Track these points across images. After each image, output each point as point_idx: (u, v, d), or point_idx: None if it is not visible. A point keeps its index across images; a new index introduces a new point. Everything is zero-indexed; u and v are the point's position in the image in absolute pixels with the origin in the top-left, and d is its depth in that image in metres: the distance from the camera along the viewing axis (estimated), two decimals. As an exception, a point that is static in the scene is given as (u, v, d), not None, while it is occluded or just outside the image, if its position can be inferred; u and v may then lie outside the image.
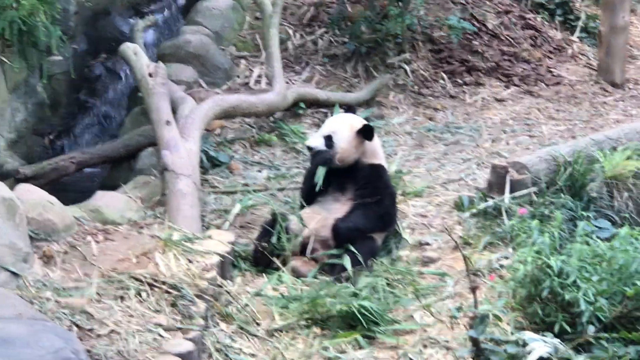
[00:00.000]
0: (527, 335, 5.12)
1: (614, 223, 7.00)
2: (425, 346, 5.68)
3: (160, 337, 5.11)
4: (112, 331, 5.05)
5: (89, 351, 4.77)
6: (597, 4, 13.10)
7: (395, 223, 7.13)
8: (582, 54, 12.46)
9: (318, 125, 9.18)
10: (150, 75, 7.95)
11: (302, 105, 9.65)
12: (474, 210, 7.16)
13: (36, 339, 4.35)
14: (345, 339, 5.69)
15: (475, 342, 5.04)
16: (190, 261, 5.90)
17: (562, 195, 7.11)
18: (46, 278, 5.45)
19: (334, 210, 6.90)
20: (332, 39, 11.20)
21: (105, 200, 6.91)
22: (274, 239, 6.73)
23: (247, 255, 6.84)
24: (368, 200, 6.84)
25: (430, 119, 10.27)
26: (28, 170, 8.23)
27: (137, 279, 5.55)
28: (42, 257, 5.65)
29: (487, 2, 12.52)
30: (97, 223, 6.49)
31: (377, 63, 10.88)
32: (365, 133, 6.95)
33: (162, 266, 5.74)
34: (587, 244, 5.78)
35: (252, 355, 5.51)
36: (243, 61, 10.70)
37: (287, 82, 9.85)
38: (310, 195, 7.02)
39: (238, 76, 10.39)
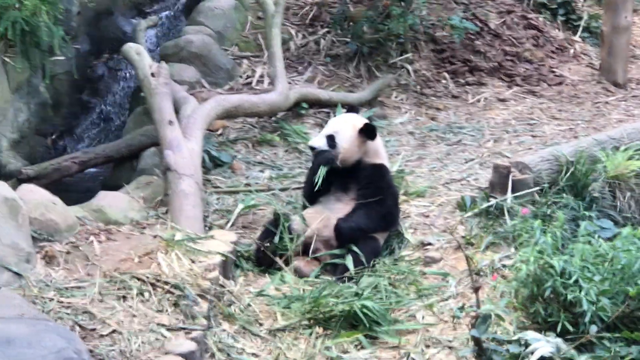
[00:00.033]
0: (530, 335, 5.12)
1: (616, 223, 7.00)
2: (427, 346, 5.68)
3: (162, 337, 5.12)
4: (115, 331, 5.05)
5: (91, 351, 4.77)
6: (599, 4, 13.11)
7: (398, 223, 7.13)
8: (585, 54, 12.46)
9: (320, 126, 9.19)
10: (152, 75, 7.96)
11: (305, 105, 9.66)
12: (477, 210, 7.16)
13: (38, 339, 4.36)
14: (348, 339, 5.69)
15: (477, 341, 5.04)
16: (192, 261, 5.91)
17: (565, 195, 7.10)
18: (48, 278, 5.46)
19: (336, 210, 6.90)
20: (334, 39, 11.20)
21: (108, 200, 6.91)
22: (276, 239, 6.73)
23: (250, 255, 6.84)
24: (370, 200, 6.84)
25: (433, 119, 10.27)
26: (31, 170, 8.23)
27: (139, 279, 5.56)
28: (44, 257, 5.66)
29: (490, 2, 12.53)
30: (99, 223, 6.50)
31: (380, 63, 10.89)
32: (368, 132, 6.95)
33: (165, 266, 5.75)
34: (590, 243, 5.78)
35: (255, 355, 5.51)
36: (245, 61, 10.70)
37: (290, 82, 9.86)
38: (312, 195, 7.03)
39: (240, 76, 10.39)
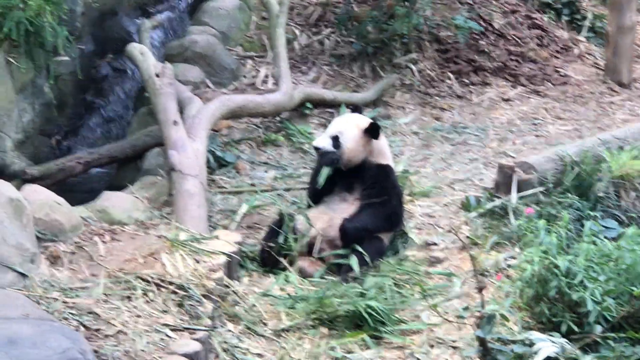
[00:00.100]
0: (534, 335, 5.12)
1: (621, 223, 6.99)
2: (432, 346, 5.68)
3: (167, 337, 5.12)
4: (119, 331, 5.05)
5: (96, 351, 4.77)
6: (604, 4, 13.08)
7: (403, 223, 7.13)
8: (589, 54, 12.44)
9: (325, 126, 9.18)
10: (157, 75, 7.96)
11: (309, 105, 9.65)
12: (481, 210, 7.16)
13: (43, 339, 4.36)
14: (353, 339, 5.70)
15: (482, 342, 5.04)
16: (197, 261, 5.91)
17: (569, 195, 7.09)
18: (53, 278, 5.46)
19: (341, 210, 6.90)
20: (338, 39, 11.19)
21: (112, 201, 6.92)
22: (281, 239, 6.73)
23: (254, 256, 6.84)
24: (375, 200, 6.84)
25: (437, 119, 10.27)
26: (35, 170, 8.23)
27: (144, 279, 5.56)
28: (49, 257, 5.66)
29: (494, 2, 12.50)
30: (104, 223, 6.50)
31: (384, 63, 10.88)
32: (372, 132, 6.95)
33: (169, 266, 5.75)
34: (594, 243, 5.78)
35: (259, 355, 5.51)
36: (250, 61, 10.69)
37: (294, 82, 9.84)
38: (317, 195, 7.03)
39: (245, 76, 10.38)
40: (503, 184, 7.24)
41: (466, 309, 5.95)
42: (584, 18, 12.93)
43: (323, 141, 6.98)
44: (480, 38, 11.71)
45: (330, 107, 9.81)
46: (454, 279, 6.49)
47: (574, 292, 5.39)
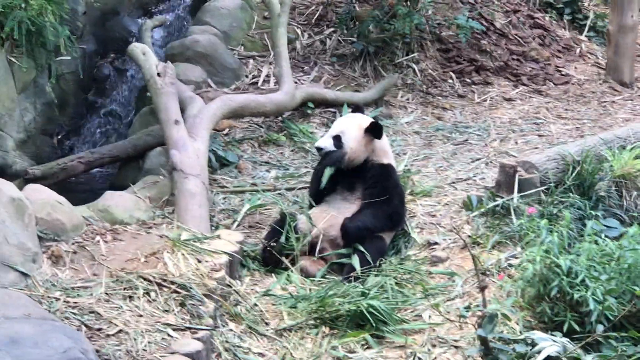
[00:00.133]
0: (536, 334, 5.12)
1: (622, 222, 6.99)
2: (434, 345, 5.68)
3: (169, 336, 5.12)
4: (121, 331, 5.06)
5: (97, 351, 4.78)
6: (605, 3, 13.10)
7: (404, 222, 7.13)
8: (591, 53, 12.45)
9: (326, 125, 9.19)
10: (158, 75, 7.96)
11: (311, 104, 9.65)
12: (483, 210, 7.15)
13: (45, 338, 4.36)
14: (354, 339, 5.70)
15: (484, 341, 5.04)
16: (199, 261, 5.91)
17: (571, 194, 7.09)
18: (55, 278, 5.46)
19: (342, 209, 6.90)
20: (340, 39, 11.19)
21: (114, 200, 6.91)
22: (282, 239, 6.73)
23: (256, 255, 6.84)
24: (377, 199, 6.83)
25: (439, 118, 10.27)
26: (37, 170, 8.23)
27: (145, 279, 5.56)
28: (50, 257, 5.66)
29: (496, 2, 12.52)
30: (105, 223, 6.50)
31: (386, 62, 10.89)
32: (374, 131, 6.95)
33: (171, 266, 5.75)
34: (596, 243, 5.78)
35: (261, 354, 5.52)
36: (251, 61, 10.70)
37: (296, 82, 9.85)
38: (318, 194, 7.03)
39: (246, 76, 10.39)
40: (505, 183, 7.23)
41: (468, 308, 5.94)
42: (586, 17, 12.95)
43: (325, 141, 6.98)
44: (482, 37, 11.72)
45: (331, 106, 9.82)
46: (455, 278, 6.49)
47: (576, 291, 5.39)
